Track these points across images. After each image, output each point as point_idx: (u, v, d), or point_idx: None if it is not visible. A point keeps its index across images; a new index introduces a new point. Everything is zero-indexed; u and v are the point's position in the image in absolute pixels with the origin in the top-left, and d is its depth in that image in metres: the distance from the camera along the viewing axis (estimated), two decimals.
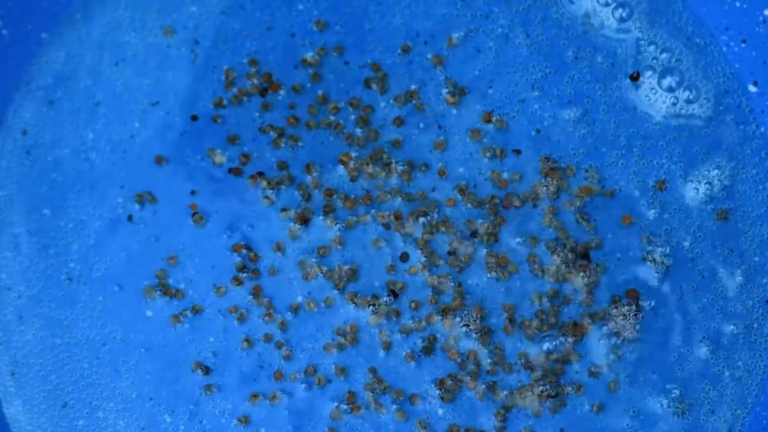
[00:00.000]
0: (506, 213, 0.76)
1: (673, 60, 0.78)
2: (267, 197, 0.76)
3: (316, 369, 0.74)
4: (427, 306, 0.75)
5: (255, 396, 0.74)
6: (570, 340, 0.74)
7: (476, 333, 0.74)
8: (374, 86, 0.78)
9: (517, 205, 0.76)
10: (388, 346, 0.75)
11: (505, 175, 0.77)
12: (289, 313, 0.75)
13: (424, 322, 0.75)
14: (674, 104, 0.77)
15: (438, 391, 0.74)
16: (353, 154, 0.77)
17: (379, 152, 0.77)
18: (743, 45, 0.77)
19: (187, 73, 0.79)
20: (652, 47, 0.78)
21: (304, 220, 0.76)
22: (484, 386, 0.74)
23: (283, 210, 0.76)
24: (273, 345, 0.75)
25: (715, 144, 0.77)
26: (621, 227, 0.76)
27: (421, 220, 0.76)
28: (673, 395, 0.74)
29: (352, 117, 0.78)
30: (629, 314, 0.74)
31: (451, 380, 0.74)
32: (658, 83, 0.78)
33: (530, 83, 0.78)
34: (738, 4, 0.77)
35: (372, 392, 0.74)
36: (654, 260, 0.75)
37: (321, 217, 0.76)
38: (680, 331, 0.75)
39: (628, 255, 0.76)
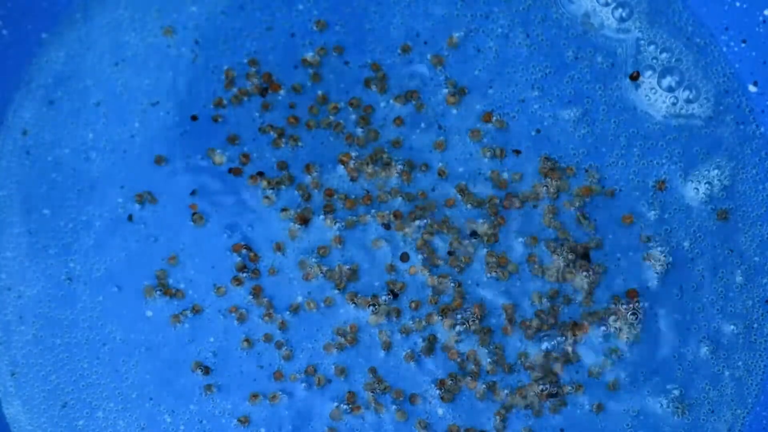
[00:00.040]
0: (506, 213, 0.76)
1: (673, 60, 0.78)
2: (267, 197, 0.76)
3: (316, 369, 0.74)
4: (427, 306, 0.75)
5: (255, 396, 0.74)
6: (570, 340, 0.74)
7: (476, 333, 0.74)
8: (374, 86, 0.78)
9: (517, 205, 0.76)
10: (388, 346, 0.75)
11: (505, 175, 0.77)
12: (289, 313, 0.75)
13: (424, 322, 0.75)
14: (674, 104, 0.77)
15: (438, 391, 0.74)
16: (353, 154, 0.77)
17: (379, 152, 0.77)
18: (743, 45, 0.77)
19: (187, 73, 0.79)
20: (652, 47, 0.78)
21: (304, 220, 0.76)
22: (484, 386, 0.74)
23: (283, 210, 0.76)
24: (273, 345, 0.75)
25: (715, 144, 0.77)
26: (621, 227, 0.76)
27: (418, 223, 0.75)
28: (673, 395, 0.74)
29: (352, 117, 0.78)
30: (629, 314, 0.74)
31: (451, 380, 0.74)
32: (658, 83, 0.78)
33: (530, 83, 0.78)
34: (738, 4, 0.77)
35: (372, 392, 0.74)
36: (654, 260, 0.75)
37: (321, 217, 0.76)
38: (680, 331, 0.75)
39: (628, 255, 0.76)
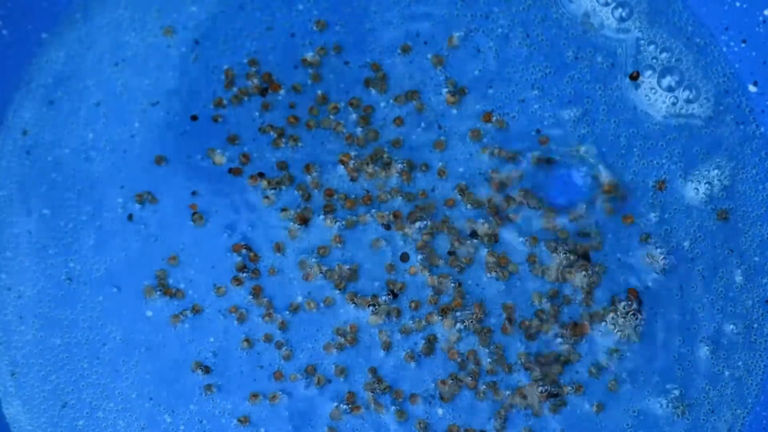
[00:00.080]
0: (507, 212, 0.76)
1: (673, 60, 0.78)
2: (267, 197, 0.76)
3: (316, 369, 0.74)
4: (427, 306, 0.75)
5: (255, 396, 0.74)
6: (570, 340, 0.74)
7: (476, 333, 0.74)
8: (374, 86, 0.78)
9: (516, 200, 0.76)
10: (388, 346, 0.75)
11: (506, 175, 0.77)
12: (289, 313, 0.75)
13: (424, 322, 0.75)
14: (674, 104, 0.77)
15: (438, 391, 0.74)
16: (353, 154, 0.77)
17: (379, 152, 0.77)
18: (743, 45, 0.77)
19: (188, 73, 0.79)
20: (651, 47, 0.78)
21: (304, 220, 0.76)
22: (484, 386, 0.74)
23: (283, 210, 0.76)
24: (273, 345, 0.75)
25: (715, 144, 0.77)
26: (621, 227, 0.76)
27: (418, 223, 0.75)
28: (673, 395, 0.74)
29: (352, 117, 0.78)
30: (629, 314, 0.74)
31: (451, 380, 0.74)
32: (658, 83, 0.78)
33: (530, 83, 0.78)
34: (738, 4, 0.77)
35: (372, 392, 0.74)
36: (654, 260, 0.75)
37: (321, 217, 0.76)
38: (680, 331, 0.75)
39: (628, 255, 0.76)
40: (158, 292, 0.75)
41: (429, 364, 0.75)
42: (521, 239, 0.76)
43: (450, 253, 0.76)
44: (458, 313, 0.75)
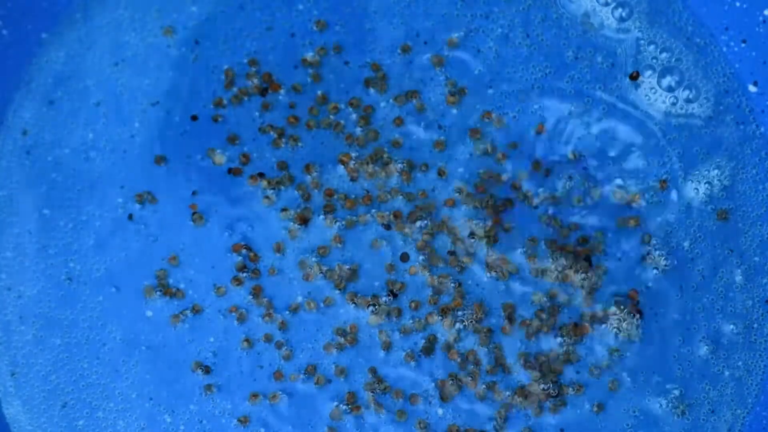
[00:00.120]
0: (506, 213, 0.76)
1: (673, 60, 0.78)
2: (267, 197, 0.76)
3: (316, 369, 0.74)
4: (427, 306, 0.75)
5: (255, 396, 0.74)
6: (570, 340, 0.74)
7: (476, 333, 0.74)
8: (374, 86, 0.78)
9: (516, 200, 0.76)
10: (388, 346, 0.75)
11: (506, 176, 0.77)
12: (289, 313, 0.75)
13: (424, 322, 0.75)
14: (674, 104, 0.77)
15: (438, 391, 0.74)
16: (353, 154, 0.77)
17: (379, 152, 0.77)
18: (743, 45, 0.77)
19: (187, 73, 0.79)
20: (651, 47, 0.78)
21: (304, 220, 0.76)
22: (484, 386, 0.74)
23: (283, 210, 0.76)
24: (273, 345, 0.75)
25: (715, 144, 0.77)
26: (621, 227, 0.76)
27: (418, 223, 0.76)
28: (673, 395, 0.74)
29: (352, 117, 0.78)
30: (629, 314, 0.74)
31: (451, 380, 0.74)
32: (658, 83, 0.78)
33: (530, 83, 0.78)
34: (738, 4, 0.77)
35: (372, 392, 0.74)
36: (654, 260, 0.75)
37: (321, 217, 0.76)
38: (680, 331, 0.75)
39: (628, 255, 0.76)
40: (158, 292, 0.75)
41: (429, 364, 0.75)
42: (521, 239, 0.76)
43: (450, 253, 0.76)
44: (458, 313, 0.75)
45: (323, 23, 0.79)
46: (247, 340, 0.75)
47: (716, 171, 0.77)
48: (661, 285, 0.75)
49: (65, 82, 0.78)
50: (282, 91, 0.78)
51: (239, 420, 0.74)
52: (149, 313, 0.75)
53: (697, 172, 0.77)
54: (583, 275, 0.75)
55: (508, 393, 0.74)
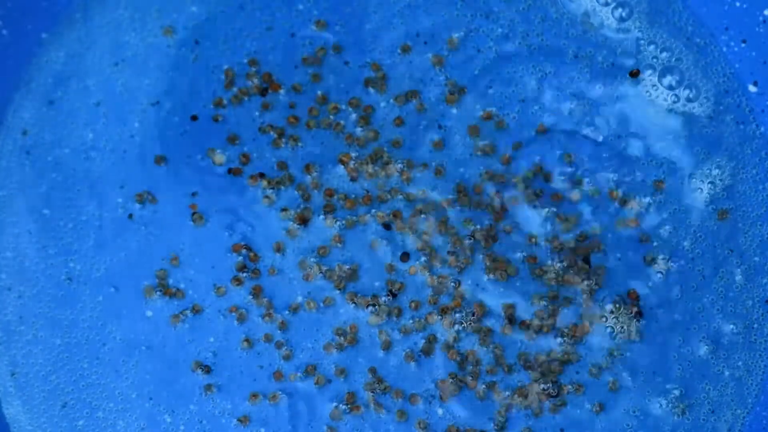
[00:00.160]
0: (506, 213, 0.76)
1: (673, 59, 0.78)
2: (267, 197, 0.76)
3: (315, 369, 0.74)
4: (427, 306, 0.75)
5: (255, 396, 0.74)
6: (570, 340, 0.74)
7: (476, 333, 0.74)
8: (374, 86, 0.78)
9: (516, 200, 0.76)
10: (388, 346, 0.75)
11: (506, 175, 0.77)
12: (289, 313, 0.75)
13: (423, 322, 0.75)
14: (674, 103, 0.77)
15: (438, 391, 0.74)
16: (353, 154, 0.77)
17: (379, 152, 0.77)
18: (743, 45, 0.77)
19: (187, 73, 0.79)
20: (652, 47, 0.78)
21: (304, 220, 0.76)
22: (484, 386, 0.74)
23: (283, 210, 0.76)
24: (273, 345, 0.75)
25: (715, 144, 0.77)
26: (621, 227, 0.76)
27: (420, 220, 0.76)
28: (673, 395, 0.74)
29: (352, 117, 0.78)
30: (629, 315, 0.74)
31: (451, 380, 0.74)
32: (658, 83, 0.78)
33: (530, 83, 0.78)
34: (738, 4, 0.77)
35: (372, 392, 0.74)
36: (654, 260, 0.75)
37: (321, 217, 0.76)
38: (680, 331, 0.75)
39: (628, 255, 0.76)
40: (158, 292, 0.75)
41: (429, 364, 0.75)
42: (521, 239, 0.76)
43: (450, 253, 0.76)
44: (458, 314, 0.75)
45: (323, 23, 0.79)
46: (247, 340, 0.75)
47: (716, 171, 0.77)
48: (661, 285, 0.75)
49: (65, 82, 0.78)
50: (282, 91, 0.78)
51: (239, 420, 0.74)
52: (149, 313, 0.75)
53: (697, 172, 0.77)
54: (584, 275, 0.75)
55: (508, 393, 0.74)
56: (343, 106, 0.78)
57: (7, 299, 0.76)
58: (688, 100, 0.77)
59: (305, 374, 0.74)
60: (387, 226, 0.76)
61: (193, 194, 0.77)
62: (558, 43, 0.78)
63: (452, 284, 0.75)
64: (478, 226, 0.76)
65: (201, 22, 0.79)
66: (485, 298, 0.75)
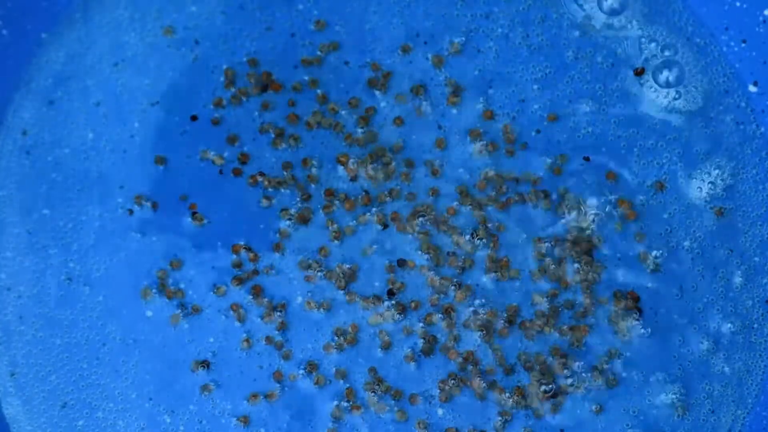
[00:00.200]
0: (507, 213, 0.76)
1: (673, 59, 0.78)
2: (267, 197, 0.76)
3: (316, 368, 0.74)
4: (427, 306, 0.75)
5: (255, 396, 0.74)
6: (570, 340, 0.74)
7: (479, 330, 0.74)
8: (375, 86, 0.78)
9: (516, 200, 0.76)
10: (388, 346, 0.75)
11: (506, 175, 0.77)
12: (289, 313, 0.75)
13: (424, 322, 0.75)
14: (674, 104, 0.77)
15: (438, 391, 0.74)
16: (353, 154, 0.77)
17: (380, 152, 0.77)
18: (743, 45, 0.77)
19: (187, 73, 0.79)
20: (652, 46, 0.78)
21: (304, 220, 0.76)
22: (484, 386, 0.74)
23: (283, 210, 0.76)
24: (273, 345, 0.75)
25: (715, 144, 0.77)
26: (620, 227, 0.76)
27: (420, 219, 0.76)
28: (673, 395, 0.74)
29: (353, 117, 0.78)
30: (629, 315, 0.74)
31: (452, 380, 0.74)
32: (658, 83, 0.78)
33: (530, 83, 0.78)
34: (738, 4, 0.77)
35: (372, 392, 0.74)
36: (653, 260, 0.75)
37: (321, 217, 0.76)
38: (680, 331, 0.75)
39: (628, 255, 0.76)
40: (158, 293, 0.75)
41: (429, 364, 0.74)
42: (522, 239, 0.76)
43: (450, 253, 0.76)
44: (458, 314, 0.75)
45: (323, 23, 0.79)
46: (247, 340, 0.75)
47: (716, 171, 0.77)
48: (661, 285, 0.75)
49: (65, 82, 0.78)
50: (282, 91, 0.78)
51: (239, 420, 0.74)
52: (149, 313, 0.75)
53: (697, 172, 0.77)
54: (586, 269, 0.75)
55: (508, 393, 0.74)
56: (343, 106, 0.78)
57: (7, 299, 0.76)
58: (688, 100, 0.78)
59: (306, 372, 0.74)
60: (386, 226, 0.76)
61: (193, 194, 0.77)
62: (558, 43, 0.78)
63: (452, 285, 0.75)
64: (480, 222, 0.76)
65: (201, 22, 0.79)
66: (485, 299, 0.75)
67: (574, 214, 0.76)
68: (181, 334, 0.75)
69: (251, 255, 0.76)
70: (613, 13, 0.79)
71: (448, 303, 0.75)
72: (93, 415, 0.74)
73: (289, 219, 0.76)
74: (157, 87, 0.78)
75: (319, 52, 0.78)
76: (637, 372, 0.74)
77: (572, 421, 0.74)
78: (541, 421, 0.74)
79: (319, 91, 0.78)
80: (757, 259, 0.76)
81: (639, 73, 0.77)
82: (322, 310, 0.75)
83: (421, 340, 0.75)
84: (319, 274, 0.75)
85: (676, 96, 0.77)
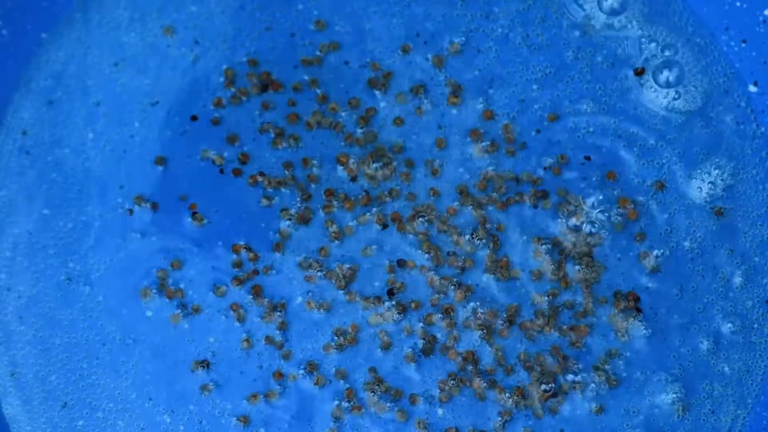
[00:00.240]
0: (507, 213, 0.76)
1: (673, 59, 0.78)
2: (267, 197, 0.76)
3: (316, 368, 0.74)
4: (427, 306, 0.75)
5: (255, 396, 0.74)
6: (570, 340, 0.74)
7: (479, 330, 0.74)
8: (375, 86, 0.78)
9: (516, 200, 0.76)
10: (388, 346, 0.75)
11: (506, 175, 0.77)
12: (289, 313, 0.75)
13: (424, 322, 0.75)
14: (674, 104, 0.77)
15: (438, 391, 0.74)
16: (353, 154, 0.77)
17: (380, 152, 0.77)
18: (743, 45, 0.77)
19: (187, 73, 0.79)
20: (652, 46, 0.78)
21: (304, 220, 0.76)
22: (484, 386, 0.74)
23: (283, 210, 0.76)
24: (273, 345, 0.75)
25: (715, 144, 0.77)
26: (620, 227, 0.76)
27: (420, 220, 0.76)
28: (673, 395, 0.74)
29: (353, 117, 0.78)
30: (629, 315, 0.74)
31: (452, 380, 0.74)
32: (658, 83, 0.78)
33: (530, 83, 0.78)
34: (738, 4, 0.77)
35: (372, 392, 0.74)
36: (653, 260, 0.75)
37: (321, 217, 0.76)
38: (680, 331, 0.75)
39: (628, 255, 0.76)
40: (157, 293, 0.75)
41: (429, 364, 0.74)
42: (522, 239, 0.76)
43: (450, 253, 0.76)
44: (458, 314, 0.75)
45: (323, 23, 0.79)
46: (247, 340, 0.75)
47: (717, 171, 0.77)
48: (661, 285, 0.75)
49: (65, 82, 0.78)
50: (282, 91, 0.78)
51: (239, 420, 0.74)
52: (149, 313, 0.75)
53: (697, 172, 0.77)
54: (586, 270, 0.75)
55: (508, 393, 0.74)
56: (343, 106, 0.78)
57: (7, 299, 0.76)
58: (688, 100, 0.78)
59: (306, 372, 0.74)
60: (386, 226, 0.76)
61: (193, 194, 0.77)
62: (558, 43, 0.78)
63: (453, 284, 0.75)
64: (480, 222, 0.76)
65: (201, 22, 0.79)
66: (486, 298, 0.75)
67: (574, 214, 0.76)
68: (181, 334, 0.75)
69: (251, 255, 0.76)
70: (613, 13, 0.79)
71: (448, 303, 0.75)
72: (93, 415, 0.74)
73: (289, 219, 0.76)
74: (157, 87, 0.78)
75: (319, 52, 0.79)
76: (637, 372, 0.74)
77: (572, 421, 0.74)
78: (541, 421, 0.74)
79: (319, 91, 0.78)
80: (757, 259, 0.76)
81: (639, 73, 0.78)
82: (322, 310, 0.75)
83: (421, 340, 0.75)
84: (319, 274, 0.75)
85: (676, 96, 0.78)
